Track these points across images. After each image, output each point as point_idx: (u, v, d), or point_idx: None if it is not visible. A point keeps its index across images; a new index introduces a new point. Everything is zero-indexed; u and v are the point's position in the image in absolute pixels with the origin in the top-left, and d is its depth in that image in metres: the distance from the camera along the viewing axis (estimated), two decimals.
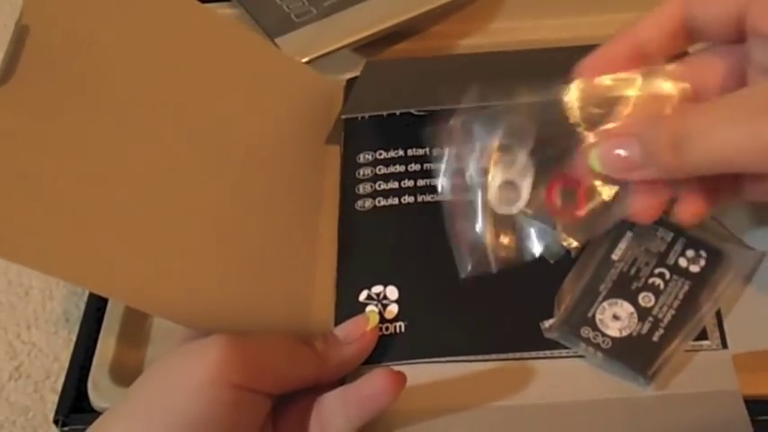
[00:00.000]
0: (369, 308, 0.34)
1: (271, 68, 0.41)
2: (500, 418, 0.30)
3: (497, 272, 0.30)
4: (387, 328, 0.33)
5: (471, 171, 0.30)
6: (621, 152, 0.27)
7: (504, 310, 0.33)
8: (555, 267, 0.32)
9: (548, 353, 0.32)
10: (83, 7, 0.33)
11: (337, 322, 0.34)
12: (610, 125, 0.28)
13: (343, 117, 0.39)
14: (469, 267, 0.30)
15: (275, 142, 0.38)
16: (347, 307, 0.34)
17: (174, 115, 0.35)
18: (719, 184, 0.28)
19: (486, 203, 0.30)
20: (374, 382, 0.29)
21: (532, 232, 0.30)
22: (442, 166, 0.31)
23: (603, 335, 0.31)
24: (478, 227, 0.30)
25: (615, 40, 0.29)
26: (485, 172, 0.30)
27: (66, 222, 0.29)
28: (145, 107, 0.34)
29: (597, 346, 0.31)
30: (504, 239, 0.30)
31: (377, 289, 0.34)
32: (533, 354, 0.32)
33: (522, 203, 0.30)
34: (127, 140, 0.32)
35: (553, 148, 0.29)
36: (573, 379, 0.31)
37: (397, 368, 0.30)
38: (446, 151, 0.31)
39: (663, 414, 0.30)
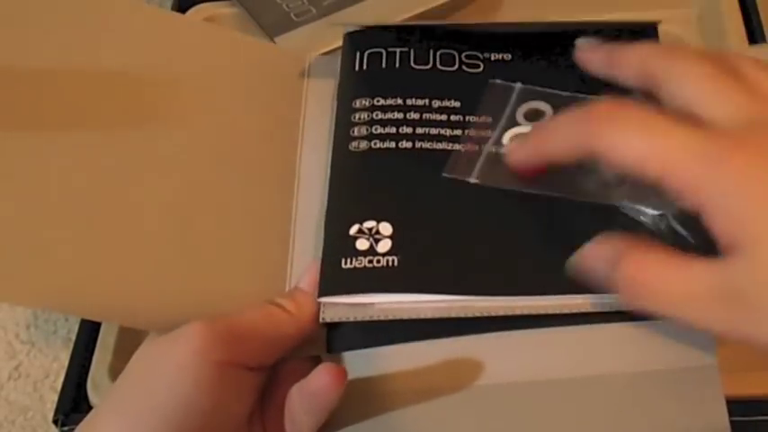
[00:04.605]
0: (358, 241, 0.32)
1: (227, 50, 0.40)
2: (494, 396, 0.30)
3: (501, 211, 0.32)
4: (378, 261, 0.31)
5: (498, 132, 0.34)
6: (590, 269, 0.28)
7: (508, 250, 0.32)
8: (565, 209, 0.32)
9: (546, 300, 0.30)
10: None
11: (325, 256, 0.32)
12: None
13: (348, 32, 0.38)
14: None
15: (241, 124, 0.38)
16: (336, 241, 0.33)
17: (132, 112, 0.35)
18: None
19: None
20: (318, 378, 0.28)
21: None
22: (472, 119, 0.35)
23: None
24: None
25: None
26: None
27: (10, 238, 0.29)
28: (98, 106, 0.34)
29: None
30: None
31: (369, 224, 0.32)
32: (534, 300, 0.30)
33: None
34: (80, 142, 0.32)
35: None
36: (550, 353, 0.31)
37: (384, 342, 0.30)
38: (479, 107, 0.35)
39: (640, 391, 0.29)
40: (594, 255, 0.28)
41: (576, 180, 0.31)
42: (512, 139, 0.33)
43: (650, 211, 0.30)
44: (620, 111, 0.27)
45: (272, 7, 0.49)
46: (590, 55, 0.31)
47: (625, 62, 0.30)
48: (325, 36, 0.45)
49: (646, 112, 0.26)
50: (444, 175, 0.33)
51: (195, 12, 0.49)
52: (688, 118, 0.26)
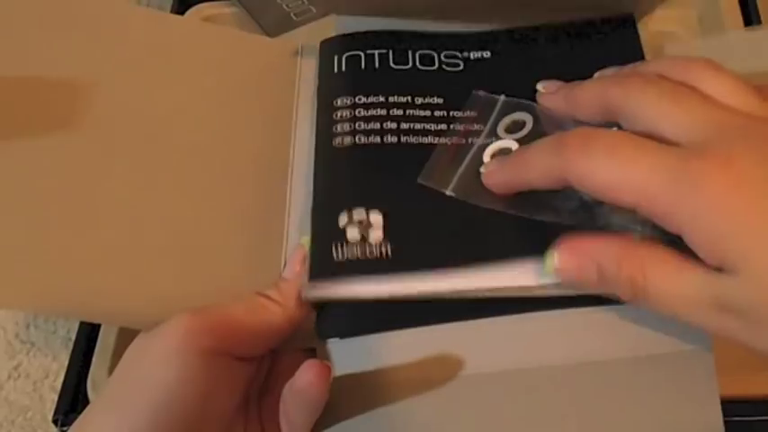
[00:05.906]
0: (349, 232, 0.32)
1: (220, 45, 0.40)
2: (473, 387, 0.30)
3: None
4: (371, 253, 0.31)
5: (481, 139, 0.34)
6: (577, 270, 0.27)
7: (500, 236, 0.32)
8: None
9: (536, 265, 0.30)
10: None
11: (315, 244, 0.32)
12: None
13: (322, 40, 0.39)
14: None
15: (235, 117, 0.38)
16: (326, 230, 0.33)
17: (125, 108, 0.35)
18: None
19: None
20: (301, 376, 0.28)
21: None
22: (457, 114, 0.35)
23: None
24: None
25: None
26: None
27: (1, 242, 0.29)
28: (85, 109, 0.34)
29: None
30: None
31: (359, 214, 0.33)
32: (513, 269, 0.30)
33: None
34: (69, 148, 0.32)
35: None
36: (543, 341, 0.30)
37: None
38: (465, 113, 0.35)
39: (633, 376, 0.29)
40: (588, 249, 0.27)
41: (556, 203, 0.31)
42: (492, 156, 0.33)
43: (639, 227, 0.29)
44: (589, 139, 0.27)
45: (271, 7, 0.49)
46: (549, 99, 0.33)
47: (582, 101, 0.30)
48: (325, 36, 0.45)
49: (613, 138, 0.26)
50: (420, 181, 0.33)
51: (195, 11, 0.49)
52: (654, 138, 0.26)
